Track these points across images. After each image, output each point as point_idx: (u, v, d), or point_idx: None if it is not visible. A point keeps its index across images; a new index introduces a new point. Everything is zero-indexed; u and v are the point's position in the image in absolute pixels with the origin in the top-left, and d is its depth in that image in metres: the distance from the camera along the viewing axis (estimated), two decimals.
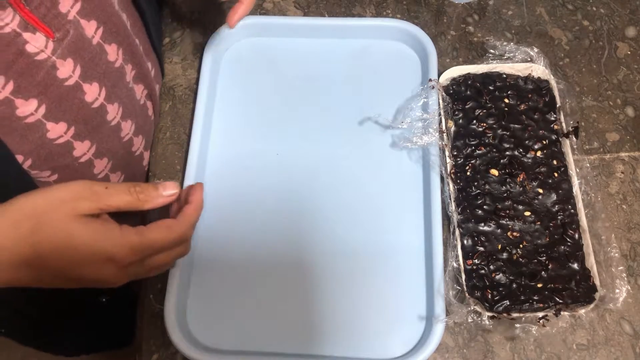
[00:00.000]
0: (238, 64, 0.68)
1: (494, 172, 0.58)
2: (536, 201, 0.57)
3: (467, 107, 0.62)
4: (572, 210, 0.57)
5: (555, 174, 0.59)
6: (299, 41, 0.69)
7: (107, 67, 0.51)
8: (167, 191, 0.43)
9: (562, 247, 0.56)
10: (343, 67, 0.68)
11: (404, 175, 0.61)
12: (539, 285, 0.54)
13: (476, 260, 0.54)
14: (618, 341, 0.55)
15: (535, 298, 0.53)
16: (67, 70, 0.47)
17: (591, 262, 0.55)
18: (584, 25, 0.71)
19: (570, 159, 0.60)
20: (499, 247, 0.55)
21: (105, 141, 0.55)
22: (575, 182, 0.58)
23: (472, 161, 0.59)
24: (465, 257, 0.55)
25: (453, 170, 0.58)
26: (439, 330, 0.52)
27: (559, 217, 0.57)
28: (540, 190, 0.58)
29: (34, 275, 0.38)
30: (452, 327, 0.55)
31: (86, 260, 0.38)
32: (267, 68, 0.68)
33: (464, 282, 0.54)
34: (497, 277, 0.54)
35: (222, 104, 0.66)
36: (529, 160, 0.59)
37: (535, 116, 0.61)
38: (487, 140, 0.60)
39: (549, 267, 0.54)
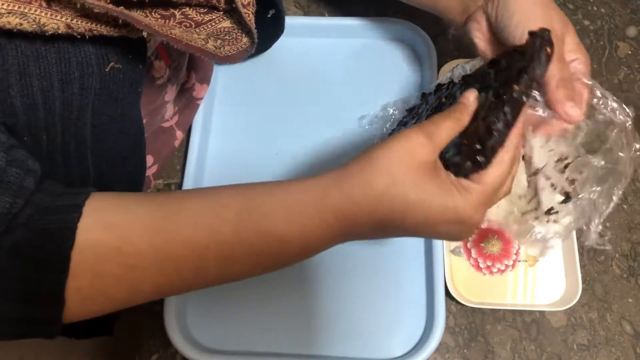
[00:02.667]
0: (237, 63, 0.68)
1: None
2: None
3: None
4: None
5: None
6: (299, 41, 0.68)
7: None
8: (469, 99, 0.39)
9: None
10: (343, 66, 0.68)
11: None
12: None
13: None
14: (619, 341, 0.55)
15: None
16: (170, 93, 0.56)
17: None
18: (584, 24, 0.71)
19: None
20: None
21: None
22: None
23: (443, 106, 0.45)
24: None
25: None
26: (439, 330, 0.52)
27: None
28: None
29: (379, 233, 0.37)
30: (452, 327, 0.55)
31: (437, 220, 0.36)
32: (267, 67, 0.68)
33: None
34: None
35: (221, 103, 0.66)
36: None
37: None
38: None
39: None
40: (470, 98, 0.40)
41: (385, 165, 0.35)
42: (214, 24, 0.45)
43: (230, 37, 0.47)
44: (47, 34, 0.34)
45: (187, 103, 0.62)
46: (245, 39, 0.48)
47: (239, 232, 0.36)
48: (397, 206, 0.35)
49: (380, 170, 0.35)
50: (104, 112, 0.41)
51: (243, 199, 0.37)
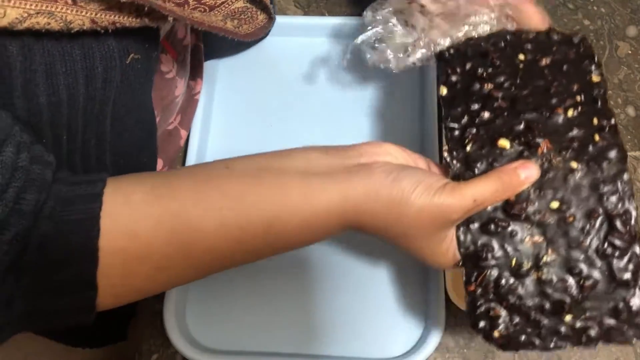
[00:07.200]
0: (237, 63, 0.68)
1: (504, 143, 0.41)
2: (570, 183, 0.40)
3: (465, 68, 0.45)
4: (624, 193, 0.39)
5: (597, 138, 0.41)
6: (299, 40, 0.68)
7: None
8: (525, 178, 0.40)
9: (608, 254, 0.39)
10: (344, 65, 0.68)
11: None
12: (567, 319, 0.39)
13: (479, 289, 0.40)
14: None
15: (561, 333, 0.39)
16: (180, 87, 0.57)
17: None
18: (584, 24, 0.71)
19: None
20: (512, 263, 0.39)
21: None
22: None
23: (474, 131, 0.42)
24: (467, 279, 0.40)
25: (447, 148, 0.42)
26: (438, 330, 0.52)
27: (604, 206, 0.39)
28: (575, 165, 0.40)
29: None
30: (452, 326, 0.55)
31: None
32: (267, 67, 0.68)
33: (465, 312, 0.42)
34: (503, 313, 0.40)
35: (221, 103, 0.66)
36: (557, 122, 0.41)
37: (564, 68, 0.44)
38: (494, 104, 0.42)
39: (584, 291, 0.39)
40: (529, 176, 0.39)
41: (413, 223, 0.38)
42: (227, 5, 0.46)
43: (246, 16, 0.48)
44: (72, 31, 0.34)
45: (189, 101, 0.62)
46: (261, 16, 0.49)
47: (267, 244, 0.39)
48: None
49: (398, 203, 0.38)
50: (123, 104, 0.42)
51: (270, 210, 0.38)
